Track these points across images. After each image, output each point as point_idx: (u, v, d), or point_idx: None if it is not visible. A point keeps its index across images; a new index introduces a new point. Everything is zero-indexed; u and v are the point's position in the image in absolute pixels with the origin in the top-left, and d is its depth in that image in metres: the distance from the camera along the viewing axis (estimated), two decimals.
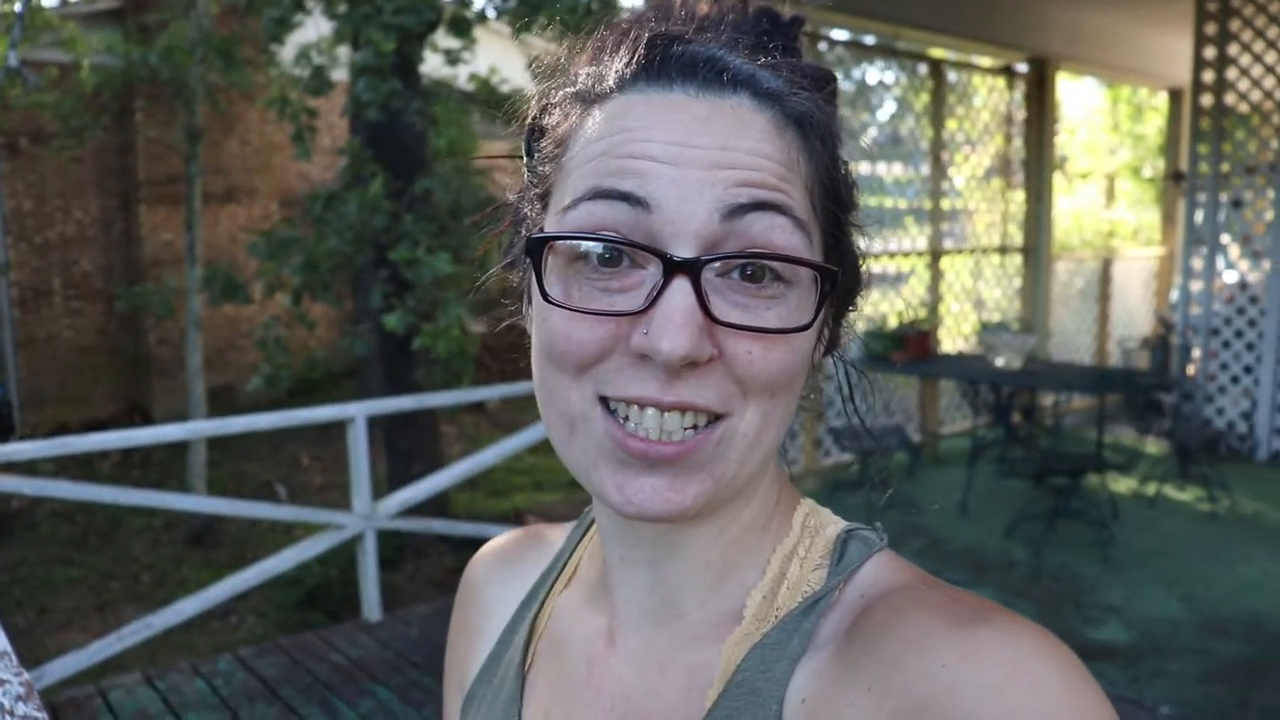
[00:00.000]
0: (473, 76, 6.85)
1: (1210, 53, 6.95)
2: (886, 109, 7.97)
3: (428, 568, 6.47)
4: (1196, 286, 7.19)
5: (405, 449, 6.66)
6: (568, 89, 0.62)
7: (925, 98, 7.37)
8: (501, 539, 0.87)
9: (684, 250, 0.53)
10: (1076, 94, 13.58)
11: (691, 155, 0.54)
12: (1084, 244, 12.76)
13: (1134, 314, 9.86)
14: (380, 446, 6.66)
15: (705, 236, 0.54)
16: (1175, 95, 9.70)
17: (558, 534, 0.83)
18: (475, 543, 6.02)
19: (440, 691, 0.89)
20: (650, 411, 0.54)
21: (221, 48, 7.56)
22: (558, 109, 0.62)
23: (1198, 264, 7.15)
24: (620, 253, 0.55)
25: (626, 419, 0.55)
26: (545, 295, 0.57)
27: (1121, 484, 6.29)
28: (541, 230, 0.61)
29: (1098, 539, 5.24)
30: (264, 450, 9.45)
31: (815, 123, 0.59)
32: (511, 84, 7.13)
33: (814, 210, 0.58)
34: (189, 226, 8.52)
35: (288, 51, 6.72)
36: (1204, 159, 7.05)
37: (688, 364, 0.53)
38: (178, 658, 5.07)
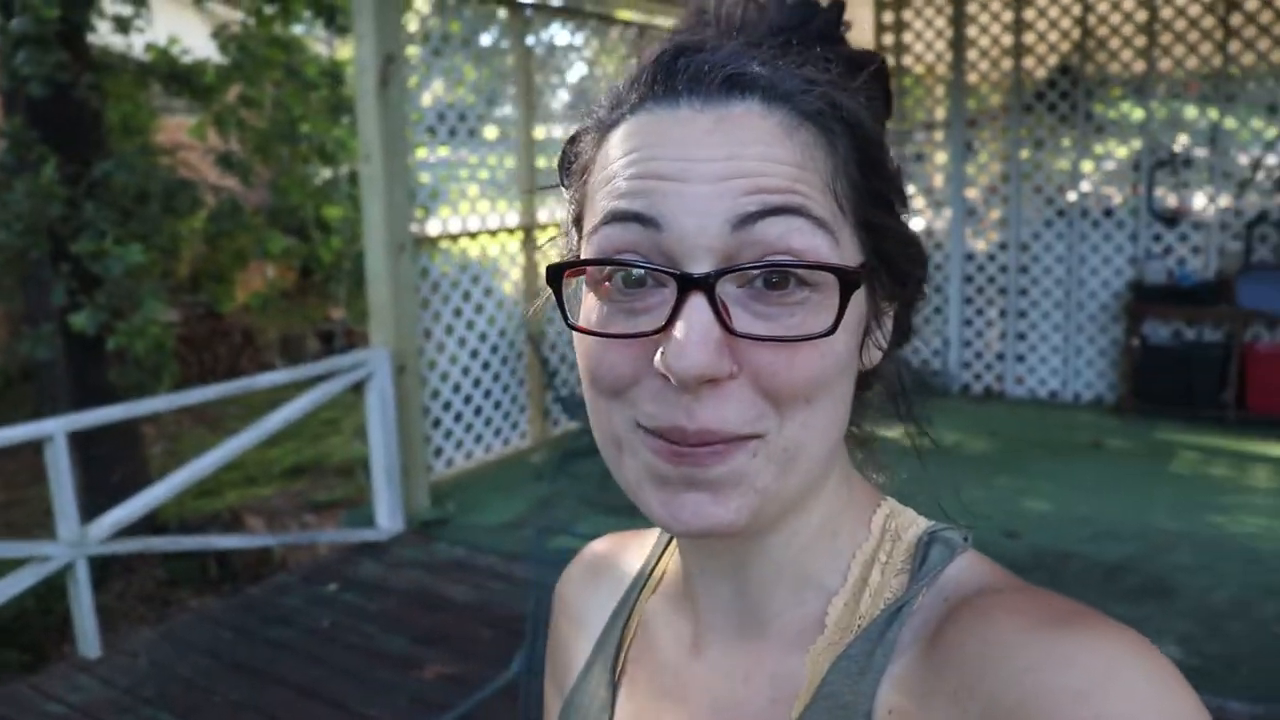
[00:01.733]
0: (149, 47, 6.27)
1: (889, 18, 7.51)
2: (576, 71, 8.01)
3: (139, 583, 5.94)
4: None
5: (102, 455, 6.05)
6: (594, 115, 0.62)
7: (615, 60, 7.48)
8: (591, 548, 0.86)
9: (697, 266, 0.53)
10: None
11: (697, 169, 0.54)
12: None
13: None
14: (73, 453, 6.04)
15: (719, 249, 0.53)
16: None
17: (647, 539, 0.83)
18: (194, 555, 5.62)
19: None
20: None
21: None
22: (585, 136, 0.63)
23: None
24: (644, 274, 0.55)
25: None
26: (567, 320, 0.58)
27: None
28: (576, 255, 0.62)
29: None
30: None
31: (833, 117, 0.57)
32: (194, 54, 6.59)
33: (840, 208, 0.57)
34: None
35: None
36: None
37: (708, 382, 0.52)
38: None
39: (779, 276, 0.54)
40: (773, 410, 0.54)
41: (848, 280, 0.54)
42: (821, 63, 0.59)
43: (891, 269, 0.61)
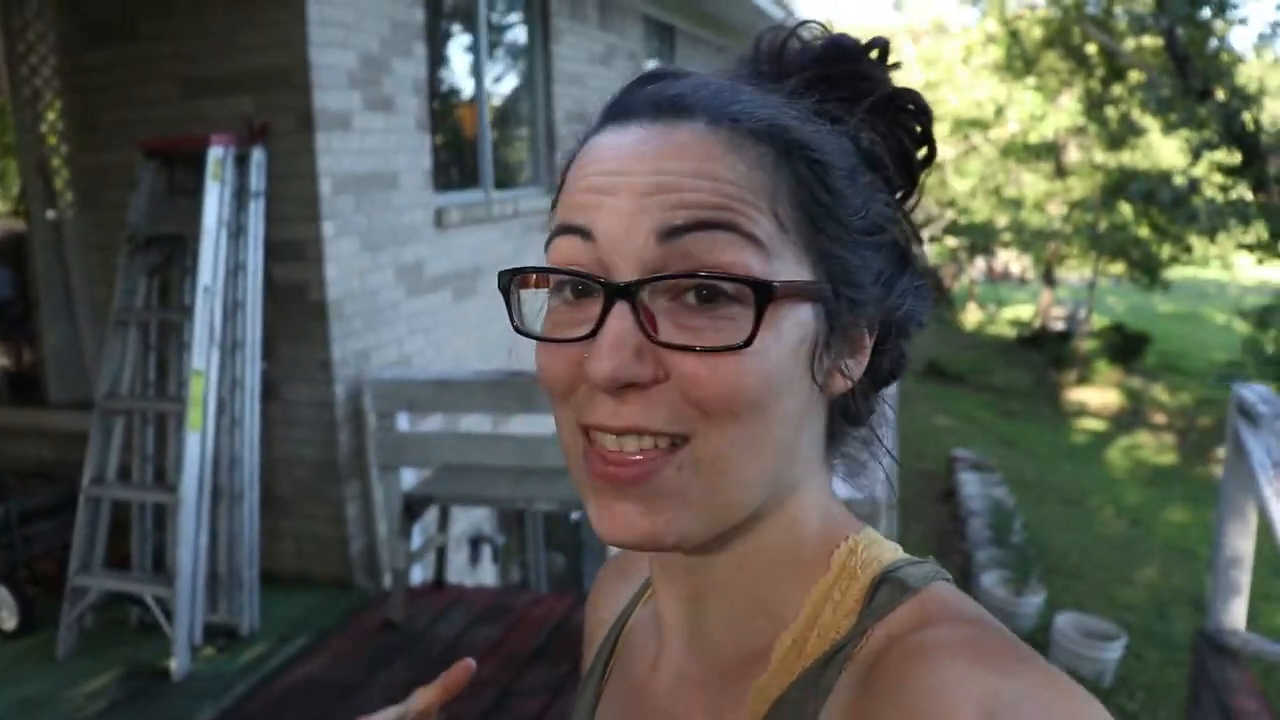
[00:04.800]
0: None
1: None
2: None
3: None
4: None
5: None
6: (578, 138, 0.64)
7: None
8: (619, 555, 0.86)
9: (623, 276, 0.55)
10: None
11: (629, 182, 0.55)
12: None
13: None
14: None
15: (645, 260, 0.54)
16: None
17: None
18: None
19: None
20: (610, 437, 0.56)
21: None
22: (564, 159, 0.64)
23: None
24: (588, 284, 0.56)
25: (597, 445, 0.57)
26: (514, 324, 0.60)
27: None
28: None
29: None
30: None
31: (782, 139, 0.58)
32: None
33: (782, 227, 0.56)
34: None
35: None
36: None
37: (629, 387, 0.54)
38: None
39: (710, 291, 0.54)
40: (699, 418, 0.55)
41: (762, 292, 0.54)
42: (804, 97, 0.61)
43: (857, 298, 0.60)
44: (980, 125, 19.40)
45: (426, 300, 4.87)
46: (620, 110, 0.60)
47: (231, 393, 3.96)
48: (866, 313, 0.61)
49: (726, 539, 0.60)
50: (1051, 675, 0.49)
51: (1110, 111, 18.85)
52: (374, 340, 4.42)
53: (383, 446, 4.30)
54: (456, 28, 5.50)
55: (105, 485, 3.89)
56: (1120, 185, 18.28)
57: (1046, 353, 20.14)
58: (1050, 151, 19.95)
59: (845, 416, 0.65)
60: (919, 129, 0.66)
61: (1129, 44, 17.43)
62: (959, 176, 20.42)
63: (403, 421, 4.33)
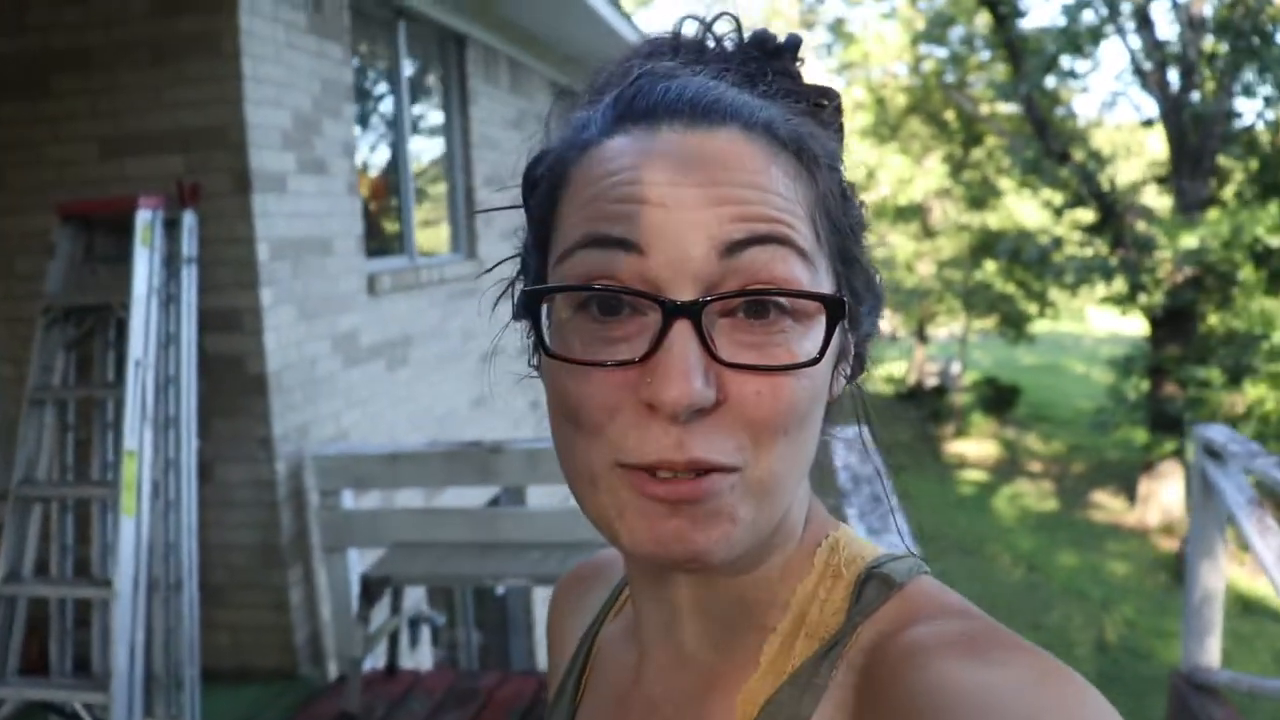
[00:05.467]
0: None
1: None
2: None
3: None
4: None
5: None
6: (561, 135, 0.61)
7: None
8: (578, 566, 0.85)
9: (682, 293, 0.52)
10: None
11: (683, 194, 0.53)
12: None
13: None
14: None
15: (704, 277, 0.52)
16: None
17: (620, 563, 0.79)
18: None
19: None
20: (663, 473, 0.52)
21: None
22: (550, 156, 0.61)
23: None
24: (621, 301, 0.53)
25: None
26: (547, 350, 0.55)
27: None
28: (543, 282, 0.59)
29: None
30: None
31: (811, 148, 0.57)
32: None
33: (818, 239, 0.56)
34: None
35: None
36: None
37: (695, 411, 0.51)
38: None
39: (760, 306, 0.53)
40: (750, 445, 0.53)
41: (834, 310, 0.53)
42: (791, 95, 0.60)
43: (859, 301, 0.61)
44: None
45: (363, 370, 4.64)
46: (642, 111, 0.56)
47: (165, 474, 3.64)
48: (864, 318, 0.62)
49: (754, 549, 0.58)
50: (1046, 663, 0.49)
51: (970, 174, 19.78)
52: (313, 414, 4.17)
53: (328, 527, 4.03)
54: (380, 89, 5.34)
55: (22, 582, 3.51)
56: (986, 244, 19.16)
57: (924, 407, 20.73)
58: (916, 213, 20.76)
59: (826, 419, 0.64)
60: (840, 127, 0.65)
61: (985, 109, 18.37)
62: None
63: (348, 499, 4.08)
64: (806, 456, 0.57)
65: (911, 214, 20.53)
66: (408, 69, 5.37)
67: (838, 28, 18.36)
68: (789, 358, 0.53)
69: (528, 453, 3.89)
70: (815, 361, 0.53)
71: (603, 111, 0.58)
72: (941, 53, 17.51)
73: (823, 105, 0.62)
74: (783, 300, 0.53)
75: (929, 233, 20.94)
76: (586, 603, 0.80)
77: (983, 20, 16.41)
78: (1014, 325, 19.29)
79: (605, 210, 0.54)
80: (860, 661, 0.55)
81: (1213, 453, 3.59)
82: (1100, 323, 26.16)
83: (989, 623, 0.53)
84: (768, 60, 0.62)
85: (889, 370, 25.29)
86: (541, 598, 7.16)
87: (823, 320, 0.54)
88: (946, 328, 24.52)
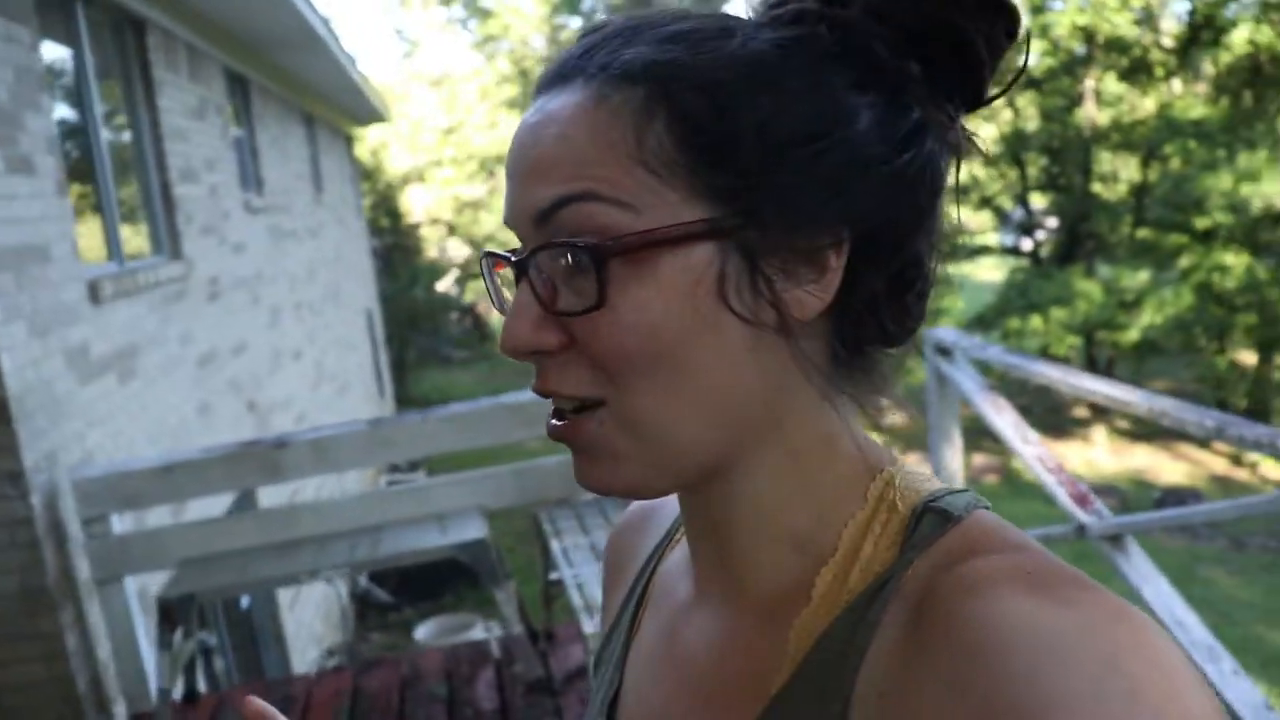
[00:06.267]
0: None
1: None
2: None
3: None
4: None
5: None
6: None
7: None
8: (635, 505, 0.86)
9: (523, 254, 0.57)
10: None
11: (516, 166, 0.57)
12: None
13: None
14: None
15: (533, 239, 0.56)
16: None
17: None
18: None
19: None
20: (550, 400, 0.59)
21: None
22: None
23: None
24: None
25: None
26: (495, 305, 0.63)
27: None
28: None
29: None
30: None
31: (661, 75, 0.54)
32: None
33: (656, 173, 0.53)
34: None
35: None
36: None
37: (539, 354, 0.57)
38: None
39: (574, 259, 0.55)
40: (608, 380, 0.55)
41: (596, 254, 0.53)
42: (673, 35, 0.56)
43: (791, 218, 0.54)
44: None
45: (98, 387, 4.24)
46: (537, 86, 0.61)
47: None
48: (815, 228, 0.55)
49: (717, 480, 0.60)
50: (1115, 604, 0.46)
51: None
52: (59, 439, 3.78)
53: (98, 557, 3.67)
54: (66, 79, 4.83)
55: None
56: None
57: None
58: None
59: (860, 337, 0.59)
60: (989, 26, 0.56)
61: None
62: (489, 213, 21.18)
63: (118, 523, 3.74)
64: (694, 391, 0.55)
65: None
66: (90, 57, 4.89)
67: (471, 3, 18.39)
68: (584, 305, 0.54)
69: (313, 443, 3.75)
70: (596, 307, 0.53)
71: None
72: (578, 23, 18.06)
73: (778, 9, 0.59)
74: (574, 252, 0.54)
75: None
76: (647, 533, 0.81)
77: None
78: None
79: None
80: (915, 595, 0.53)
81: (943, 350, 4.15)
82: None
83: (1052, 558, 0.52)
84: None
85: None
86: (286, 603, 6.84)
87: (655, 260, 0.53)
88: None
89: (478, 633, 7.62)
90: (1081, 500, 3.44)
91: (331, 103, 11.26)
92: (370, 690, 3.77)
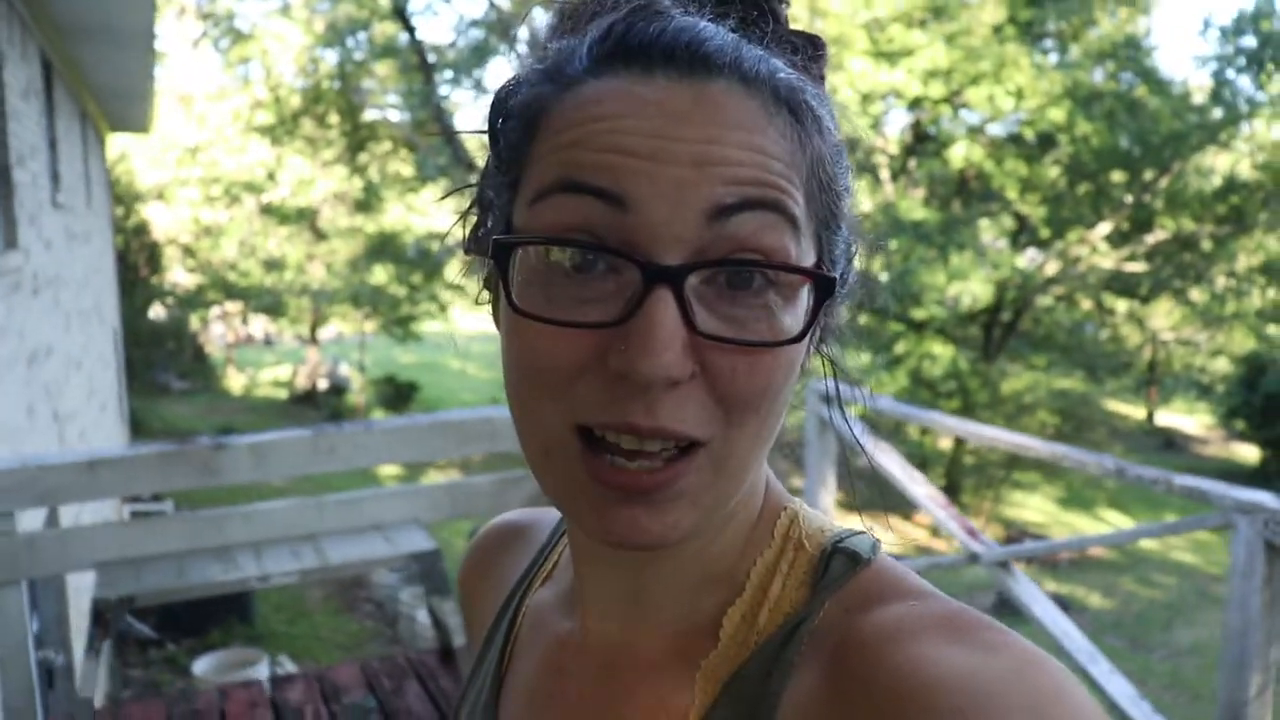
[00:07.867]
0: None
1: None
2: None
3: None
4: None
5: None
6: (537, 66, 0.56)
7: None
8: (485, 532, 0.81)
9: (665, 256, 0.49)
10: None
11: (674, 150, 0.49)
12: None
13: None
14: None
15: (689, 241, 0.49)
16: None
17: (541, 524, 0.78)
18: None
19: None
20: (627, 438, 0.50)
21: None
22: (526, 87, 0.56)
23: None
24: (596, 257, 0.50)
25: (603, 449, 0.51)
26: (515, 306, 0.52)
27: None
28: (509, 221, 0.55)
29: None
30: None
31: (812, 105, 0.53)
32: None
33: (807, 207, 0.52)
34: None
35: None
36: None
37: (672, 383, 0.49)
38: None
39: (745, 276, 0.50)
40: (721, 419, 0.51)
41: (824, 287, 0.51)
42: (785, 44, 0.56)
43: (835, 268, 0.57)
44: (254, 189, 19.42)
45: None
46: (634, 50, 0.52)
47: None
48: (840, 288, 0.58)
49: (703, 529, 0.56)
50: (1029, 650, 0.47)
51: (356, 180, 20.28)
52: None
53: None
54: None
55: None
56: (379, 247, 19.83)
57: (324, 408, 20.75)
58: (305, 216, 20.71)
59: None
60: (823, 81, 0.59)
61: (383, 115, 18.99)
62: (229, 238, 20.15)
63: (23, 520, 3.45)
64: (774, 432, 0.54)
65: (302, 216, 20.43)
66: None
67: (223, 24, 17.60)
68: (770, 334, 0.50)
69: (252, 447, 3.65)
70: (798, 339, 0.51)
71: (589, 45, 0.54)
72: (334, 57, 17.74)
73: (817, 57, 0.58)
74: (768, 271, 0.50)
75: (319, 235, 20.99)
76: (505, 566, 0.77)
77: (382, 30, 16.99)
78: (402, 325, 20.21)
79: (587, 158, 0.50)
80: (831, 639, 0.52)
81: (827, 399, 4.61)
82: (466, 323, 28.21)
83: (962, 605, 0.51)
84: (765, 1, 0.58)
85: (275, 374, 24.78)
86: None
87: (805, 294, 0.52)
88: (335, 328, 24.73)
89: (261, 670, 7.27)
90: (971, 533, 3.99)
91: (112, 103, 10.51)
92: (294, 702, 3.66)
